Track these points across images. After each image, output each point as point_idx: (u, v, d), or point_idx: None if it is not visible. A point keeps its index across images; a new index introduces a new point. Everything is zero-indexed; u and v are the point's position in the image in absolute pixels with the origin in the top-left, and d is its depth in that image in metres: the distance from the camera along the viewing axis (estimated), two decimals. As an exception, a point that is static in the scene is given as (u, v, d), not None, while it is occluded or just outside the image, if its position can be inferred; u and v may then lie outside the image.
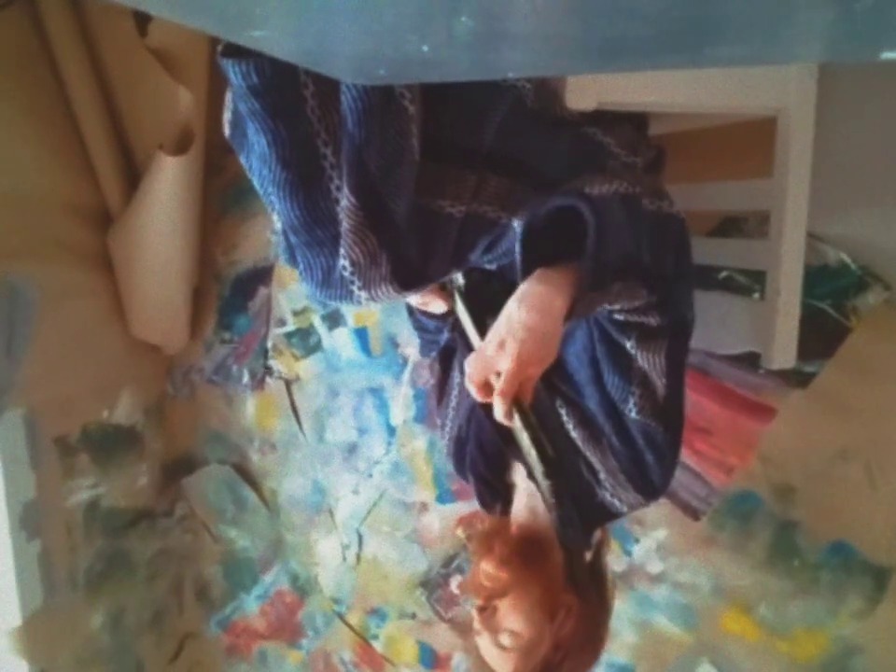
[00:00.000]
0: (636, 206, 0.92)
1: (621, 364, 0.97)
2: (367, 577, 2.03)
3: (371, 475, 1.97)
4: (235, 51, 0.84)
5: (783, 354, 1.15)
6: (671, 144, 1.22)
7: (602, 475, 1.04)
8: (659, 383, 0.96)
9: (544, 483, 0.87)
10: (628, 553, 1.69)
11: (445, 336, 1.24)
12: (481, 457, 1.18)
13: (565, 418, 1.05)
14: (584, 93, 1.00)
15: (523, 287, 0.87)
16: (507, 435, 0.93)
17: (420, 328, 1.32)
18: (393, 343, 1.88)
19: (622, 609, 1.71)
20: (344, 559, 2.04)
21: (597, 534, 1.13)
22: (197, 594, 2.26)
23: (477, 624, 1.03)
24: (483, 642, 1.03)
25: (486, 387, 0.85)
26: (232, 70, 0.85)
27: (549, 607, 1.00)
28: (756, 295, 1.41)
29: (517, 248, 0.91)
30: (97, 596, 1.91)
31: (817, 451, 1.49)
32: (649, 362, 0.95)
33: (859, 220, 1.40)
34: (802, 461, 1.50)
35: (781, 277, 1.13)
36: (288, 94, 0.87)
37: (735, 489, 1.56)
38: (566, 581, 1.04)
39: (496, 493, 1.18)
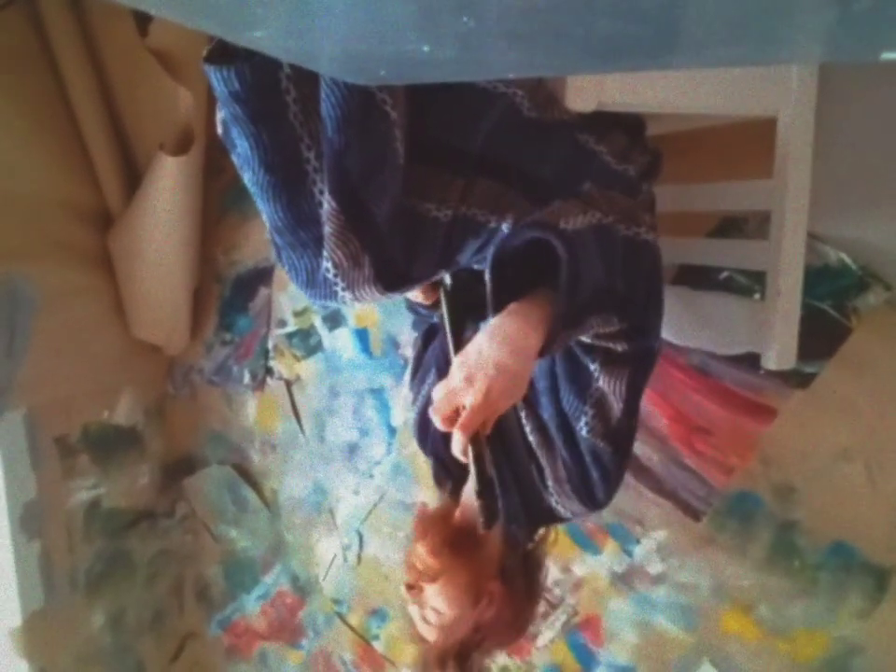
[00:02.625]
0: (610, 236, 0.94)
1: (578, 383, 0.99)
2: (368, 577, 2.03)
3: (371, 475, 1.97)
4: (219, 57, 0.84)
5: (783, 354, 1.15)
6: (671, 144, 1.22)
7: (550, 482, 1.07)
8: (616, 406, 0.99)
9: (475, 501, 0.89)
10: (629, 554, 1.69)
11: (436, 320, 1.28)
12: (441, 440, 1.20)
13: (524, 421, 1.08)
14: (584, 94, 1.00)
15: (496, 322, 0.87)
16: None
17: (413, 309, 1.37)
18: (394, 343, 1.88)
19: (622, 609, 1.71)
20: (345, 559, 2.04)
21: (541, 530, 1.17)
22: (197, 594, 2.26)
23: (406, 597, 1.09)
24: (412, 611, 1.09)
25: (452, 419, 0.85)
26: (214, 76, 0.85)
27: (474, 593, 1.04)
28: (756, 295, 1.41)
29: (487, 276, 0.91)
30: (97, 597, 1.92)
31: (817, 451, 1.48)
32: (609, 385, 0.97)
33: (859, 220, 1.40)
34: (802, 461, 1.50)
35: (781, 278, 1.13)
36: (270, 99, 0.87)
37: (735, 489, 1.56)
38: (496, 570, 1.07)
39: (449, 473, 1.21)
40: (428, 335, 1.32)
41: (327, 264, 0.91)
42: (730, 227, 1.48)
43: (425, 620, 1.06)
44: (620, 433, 1.01)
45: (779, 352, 1.14)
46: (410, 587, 1.07)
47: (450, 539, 1.05)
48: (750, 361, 1.40)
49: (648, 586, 1.68)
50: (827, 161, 1.16)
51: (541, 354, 0.86)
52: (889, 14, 0.35)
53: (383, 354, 1.90)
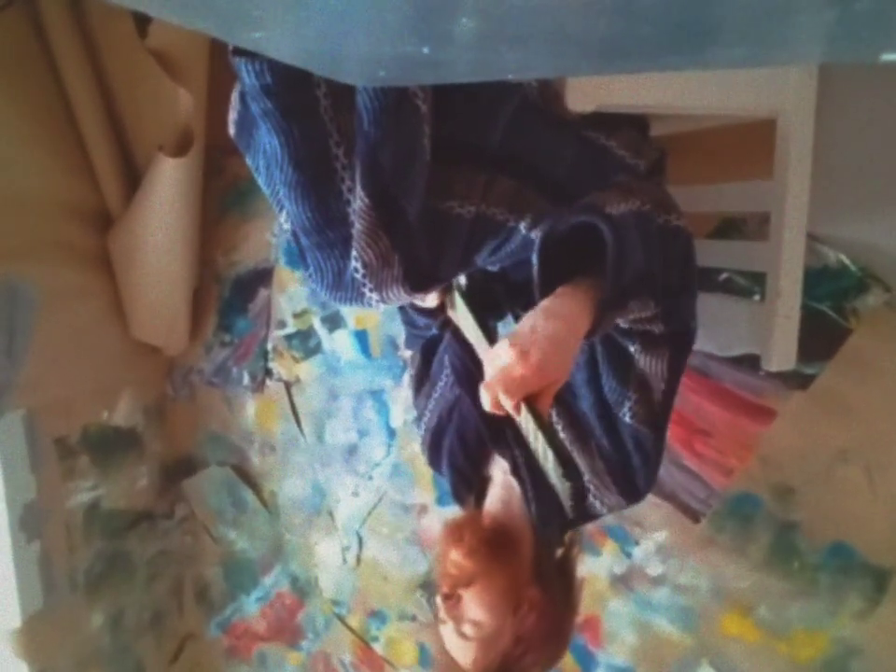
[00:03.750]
0: (648, 223, 0.93)
1: (620, 368, 0.98)
2: (367, 579, 2.03)
3: (370, 477, 1.97)
4: (248, 50, 0.83)
5: (783, 355, 1.15)
6: (671, 145, 1.22)
7: (587, 477, 1.05)
8: (657, 388, 0.97)
9: (562, 485, 0.87)
10: (628, 555, 1.69)
11: (433, 332, 1.25)
12: (460, 449, 1.19)
13: (555, 419, 1.06)
14: (584, 95, 1.00)
15: (547, 302, 0.86)
16: (492, 431, 0.93)
17: (409, 322, 1.33)
18: (393, 345, 1.88)
19: (622, 610, 1.71)
20: (345, 561, 2.04)
21: (569, 533, 1.14)
22: (197, 595, 2.26)
23: (441, 613, 1.05)
24: (447, 631, 1.05)
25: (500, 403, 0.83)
26: (245, 69, 0.84)
27: (513, 599, 1.01)
28: (756, 297, 1.41)
29: (534, 261, 0.90)
30: (97, 598, 1.91)
31: (816, 452, 1.48)
32: (650, 367, 0.96)
33: (859, 222, 1.40)
34: (801, 463, 1.50)
35: (781, 279, 1.13)
36: (301, 94, 0.87)
37: (734, 491, 1.56)
38: (532, 575, 1.04)
39: (470, 485, 1.19)
40: (427, 350, 1.30)
41: (356, 264, 0.90)
42: (729, 228, 1.48)
43: (462, 636, 1.02)
44: (660, 415, 0.99)
45: (779, 353, 1.14)
46: (447, 597, 1.03)
47: (485, 540, 1.04)
48: (750, 362, 1.41)
49: (647, 587, 1.68)
50: (827, 161, 1.16)
51: (588, 336, 0.85)
52: (889, 15, 0.35)
53: (382, 355, 1.90)
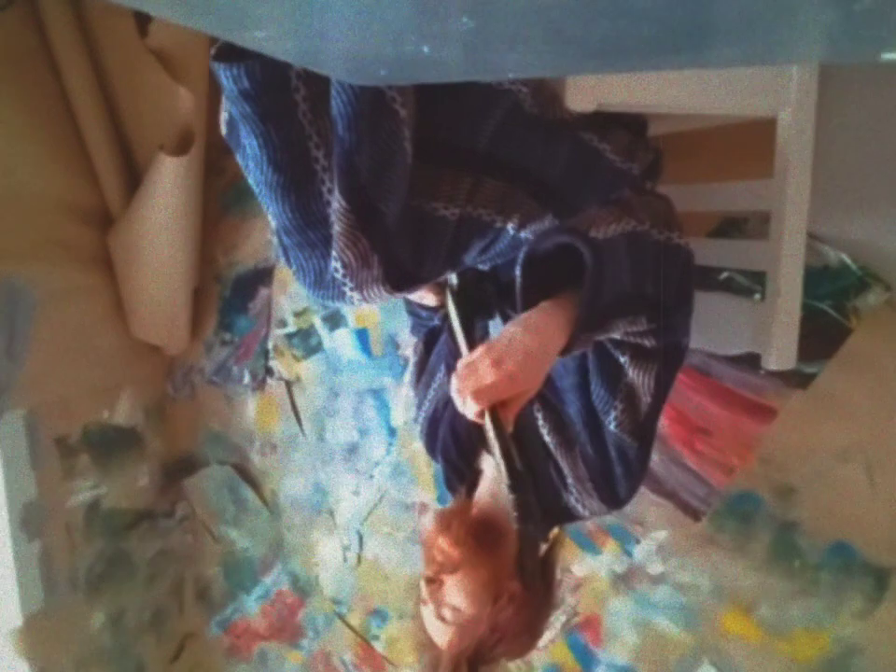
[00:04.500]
0: (642, 243, 0.95)
1: (610, 377, 1.00)
2: (367, 577, 2.03)
3: (371, 476, 1.97)
4: (227, 55, 0.84)
5: (783, 354, 1.15)
6: (671, 144, 1.22)
7: (570, 480, 1.08)
8: (644, 400, 1.00)
9: (508, 497, 0.89)
10: (629, 554, 1.69)
11: (435, 323, 1.28)
12: (452, 443, 1.21)
13: (540, 422, 1.08)
14: (584, 94, 1.00)
15: (528, 315, 0.89)
16: (480, 427, 0.95)
17: (412, 312, 1.36)
18: (394, 344, 1.88)
19: (622, 609, 1.71)
20: (345, 560, 2.04)
21: (554, 530, 1.17)
22: (197, 594, 2.26)
23: (424, 594, 1.07)
24: (427, 612, 1.07)
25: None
26: (224, 74, 0.85)
27: (493, 590, 1.03)
28: (756, 296, 1.41)
29: (517, 273, 0.92)
30: (97, 597, 1.92)
31: (817, 451, 1.48)
32: (638, 379, 0.98)
33: (859, 221, 1.40)
34: (802, 462, 1.50)
35: (782, 278, 1.13)
36: (280, 98, 0.87)
37: (735, 490, 1.56)
38: (515, 569, 1.06)
39: (462, 476, 1.21)
40: (429, 339, 1.32)
41: (335, 264, 0.91)
42: (730, 227, 1.48)
43: (441, 619, 1.04)
44: (645, 428, 1.02)
45: (779, 352, 1.14)
46: (430, 581, 1.06)
47: (472, 531, 1.05)
48: (751, 361, 1.40)
49: (648, 586, 1.68)
50: (827, 161, 1.16)
51: (562, 354, 0.88)
52: (890, 14, 0.35)
53: (383, 354, 1.90)
